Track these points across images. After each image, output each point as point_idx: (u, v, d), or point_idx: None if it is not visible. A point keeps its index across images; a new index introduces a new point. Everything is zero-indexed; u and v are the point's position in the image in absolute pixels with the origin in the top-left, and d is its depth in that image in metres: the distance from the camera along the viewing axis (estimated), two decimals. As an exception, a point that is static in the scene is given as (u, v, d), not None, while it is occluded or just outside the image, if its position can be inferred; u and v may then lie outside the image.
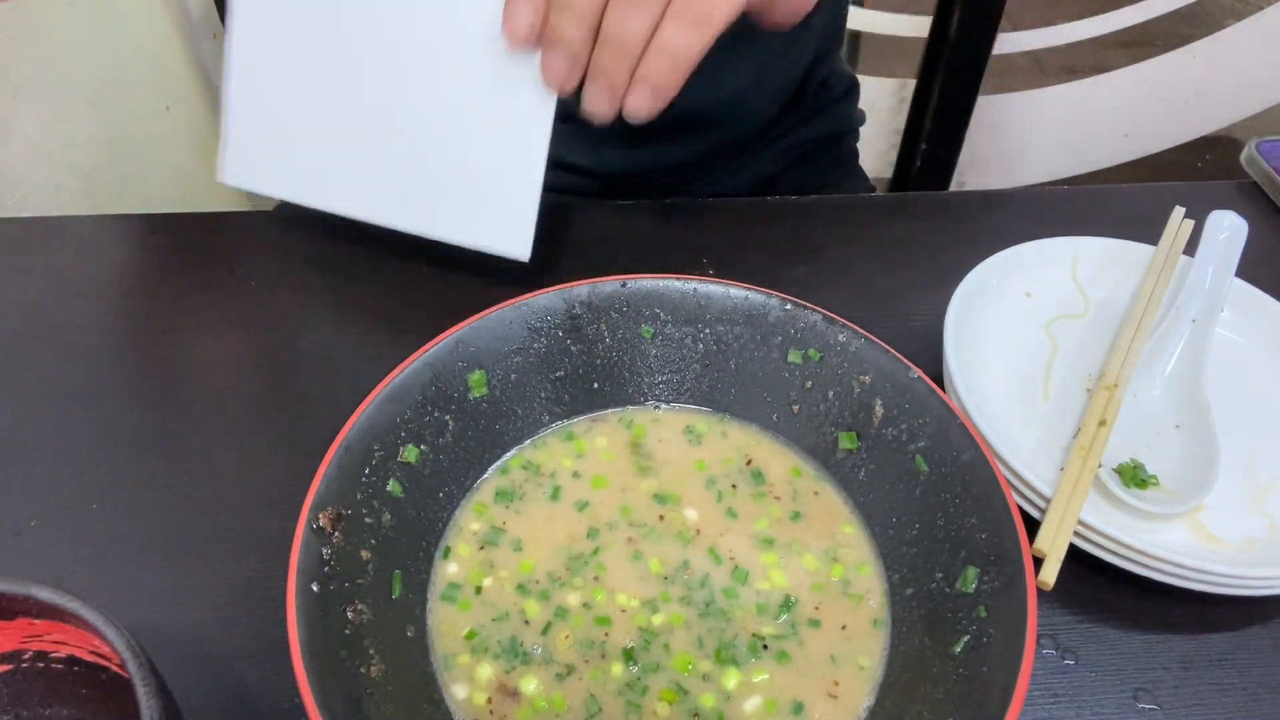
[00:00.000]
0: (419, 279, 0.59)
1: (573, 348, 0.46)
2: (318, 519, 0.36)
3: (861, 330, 0.44)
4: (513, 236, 0.51)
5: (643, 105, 0.43)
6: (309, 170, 0.52)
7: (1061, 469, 0.46)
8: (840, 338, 0.44)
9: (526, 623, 0.40)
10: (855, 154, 0.89)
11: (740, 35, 0.59)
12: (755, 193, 0.80)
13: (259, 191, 0.53)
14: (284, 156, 0.52)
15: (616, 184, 0.74)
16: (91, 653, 0.32)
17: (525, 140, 0.48)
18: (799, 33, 0.64)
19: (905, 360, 0.43)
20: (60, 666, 0.34)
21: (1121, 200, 0.68)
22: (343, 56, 0.49)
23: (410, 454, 0.41)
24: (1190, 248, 0.57)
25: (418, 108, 0.49)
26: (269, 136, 0.52)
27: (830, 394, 0.45)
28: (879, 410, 0.43)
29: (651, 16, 0.41)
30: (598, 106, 0.44)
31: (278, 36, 0.50)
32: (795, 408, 0.46)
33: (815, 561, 0.42)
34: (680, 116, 0.72)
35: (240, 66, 0.51)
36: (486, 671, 0.38)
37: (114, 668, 0.32)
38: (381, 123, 0.50)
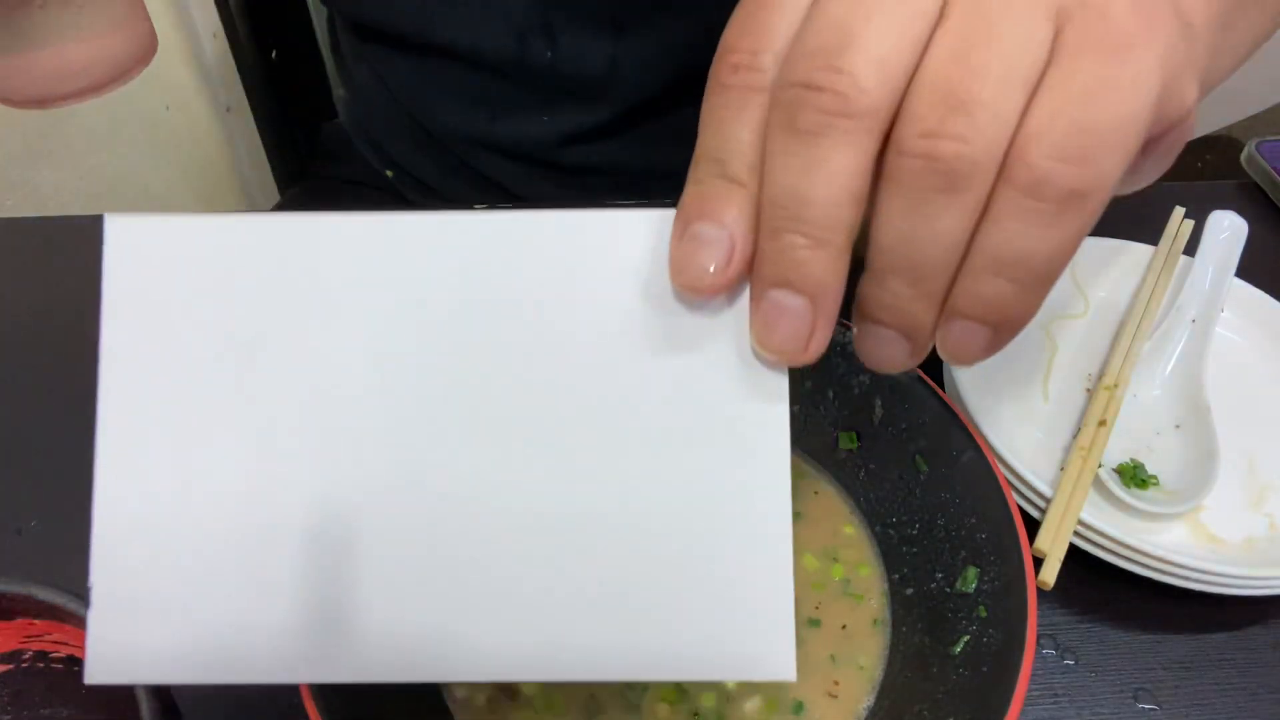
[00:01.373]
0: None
1: (573, 348, 0.46)
2: (318, 519, 0.36)
3: (861, 330, 0.44)
4: (763, 648, 0.27)
5: (975, 349, 0.26)
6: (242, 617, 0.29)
7: (1061, 469, 0.46)
8: (839, 337, 0.44)
9: (526, 623, 0.40)
10: None
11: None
12: None
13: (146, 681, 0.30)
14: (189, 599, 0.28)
15: (619, 185, 0.74)
16: (91, 653, 0.32)
17: (744, 467, 0.26)
18: None
19: (905, 360, 0.43)
20: (60, 666, 0.34)
21: (1121, 200, 0.68)
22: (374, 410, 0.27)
23: (410, 454, 0.41)
24: (1190, 248, 0.57)
25: (516, 469, 0.26)
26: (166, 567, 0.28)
27: (830, 394, 0.45)
28: (879, 410, 0.43)
29: (966, 208, 0.23)
30: (881, 357, 0.26)
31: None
32: (795, 407, 0.46)
33: (815, 561, 0.42)
34: (693, 123, 0.71)
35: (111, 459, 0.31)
36: (486, 671, 0.38)
37: (114, 668, 0.32)
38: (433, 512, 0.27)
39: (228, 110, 1.15)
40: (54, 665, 0.34)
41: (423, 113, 0.70)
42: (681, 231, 0.25)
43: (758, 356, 0.26)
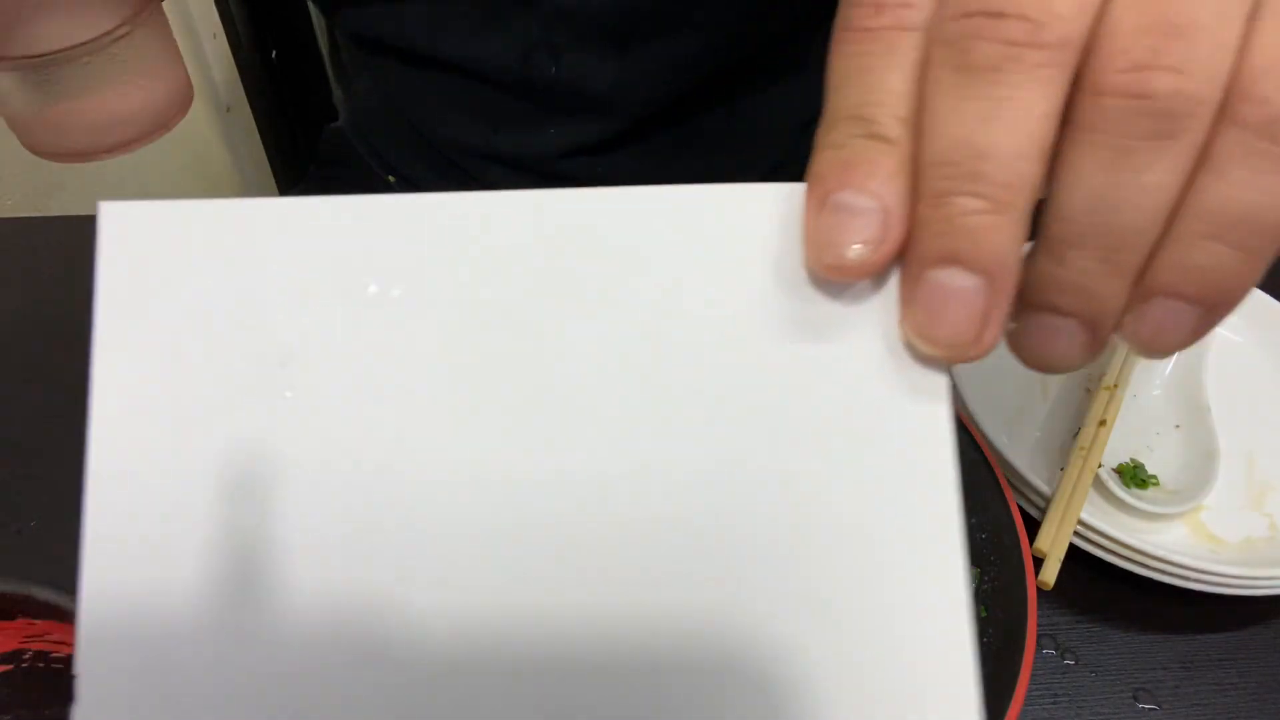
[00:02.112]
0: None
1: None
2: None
3: (861, 330, 0.44)
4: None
5: (1178, 335, 0.21)
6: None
7: (1061, 469, 0.46)
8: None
9: (526, 623, 0.40)
10: None
11: (775, 66, 0.55)
12: None
13: None
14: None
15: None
16: (91, 653, 0.32)
17: (899, 483, 0.21)
18: (796, 60, 0.63)
19: (905, 360, 0.43)
20: (60, 666, 0.34)
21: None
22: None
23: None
24: (1190, 248, 0.57)
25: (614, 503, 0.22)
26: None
27: (830, 394, 0.45)
28: (879, 410, 0.43)
29: (1181, 159, 0.19)
30: (1053, 355, 0.21)
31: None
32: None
33: (815, 561, 0.42)
34: (691, 175, 0.71)
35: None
36: (486, 671, 0.38)
37: (114, 668, 0.32)
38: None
39: (228, 110, 1.15)
40: (54, 665, 0.34)
41: (424, 123, 0.70)
42: (820, 203, 0.20)
43: (913, 351, 0.21)
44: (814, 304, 0.21)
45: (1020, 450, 0.46)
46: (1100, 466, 0.45)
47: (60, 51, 0.36)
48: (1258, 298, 0.55)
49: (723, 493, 0.21)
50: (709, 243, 0.22)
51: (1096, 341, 0.21)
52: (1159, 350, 0.21)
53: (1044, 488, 0.43)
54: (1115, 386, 0.50)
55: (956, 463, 0.21)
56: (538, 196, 0.22)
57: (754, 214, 0.22)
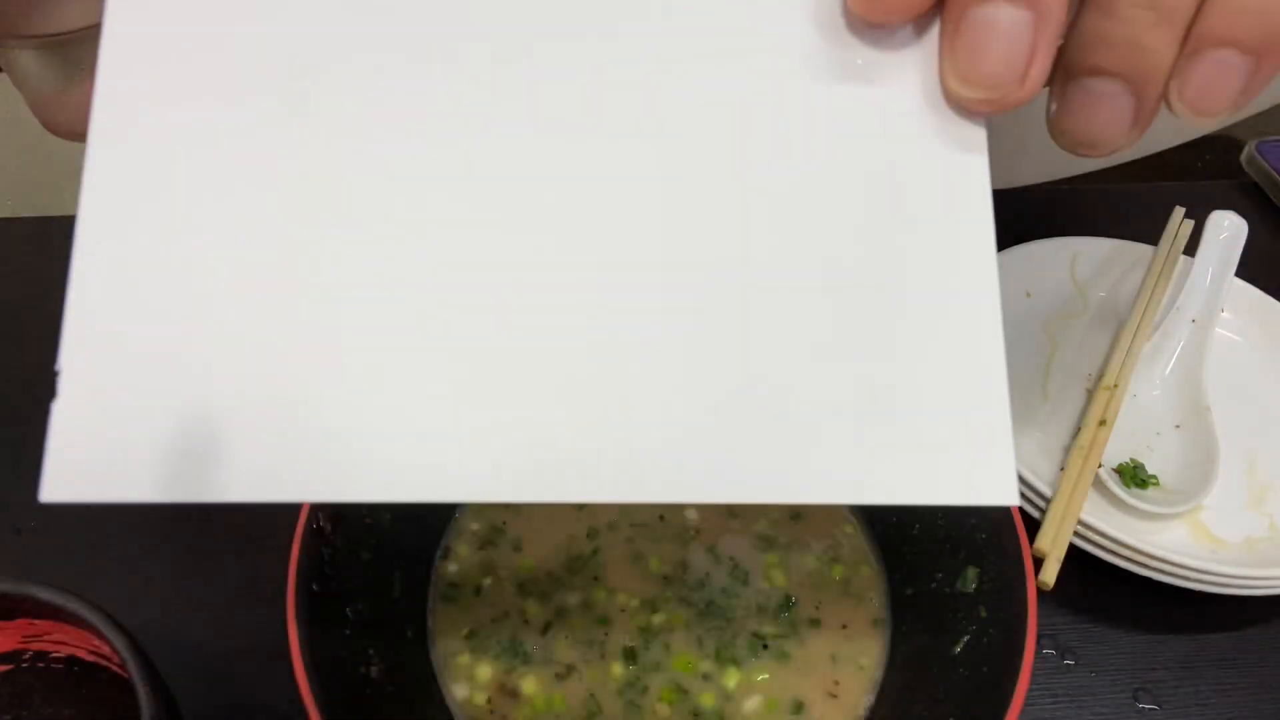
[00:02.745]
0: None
1: (573, 348, 0.46)
2: (318, 519, 0.36)
3: (861, 330, 0.44)
4: (979, 465, 0.22)
5: (1228, 90, 0.20)
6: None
7: (1061, 469, 0.46)
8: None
9: (526, 622, 0.40)
10: None
11: None
12: None
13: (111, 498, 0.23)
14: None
15: None
16: (91, 653, 0.32)
17: (937, 239, 0.22)
18: None
19: (905, 360, 0.43)
20: (60, 666, 0.34)
21: (1121, 200, 0.68)
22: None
23: (410, 454, 0.41)
24: (1190, 248, 0.57)
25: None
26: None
27: (830, 394, 0.45)
28: (879, 410, 0.43)
29: None
30: (1098, 126, 0.21)
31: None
32: (795, 408, 0.46)
33: (815, 561, 0.42)
34: None
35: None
36: (486, 671, 0.38)
37: (114, 668, 0.32)
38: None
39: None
40: (54, 665, 0.34)
41: None
42: None
43: (953, 98, 0.20)
44: (854, 51, 0.21)
45: (1020, 450, 0.46)
46: (1100, 466, 0.45)
47: (82, 30, 0.36)
48: (1258, 298, 0.55)
49: (779, 236, 0.21)
50: None
51: (1143, 110, 0.20)
52: (1208, 109, 0.20)
53: (1044, 488, 0.43)
54: (1115, 386, 0.50)
55: (991, 209, 0.22)
56: None
57: None
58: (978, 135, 0.21)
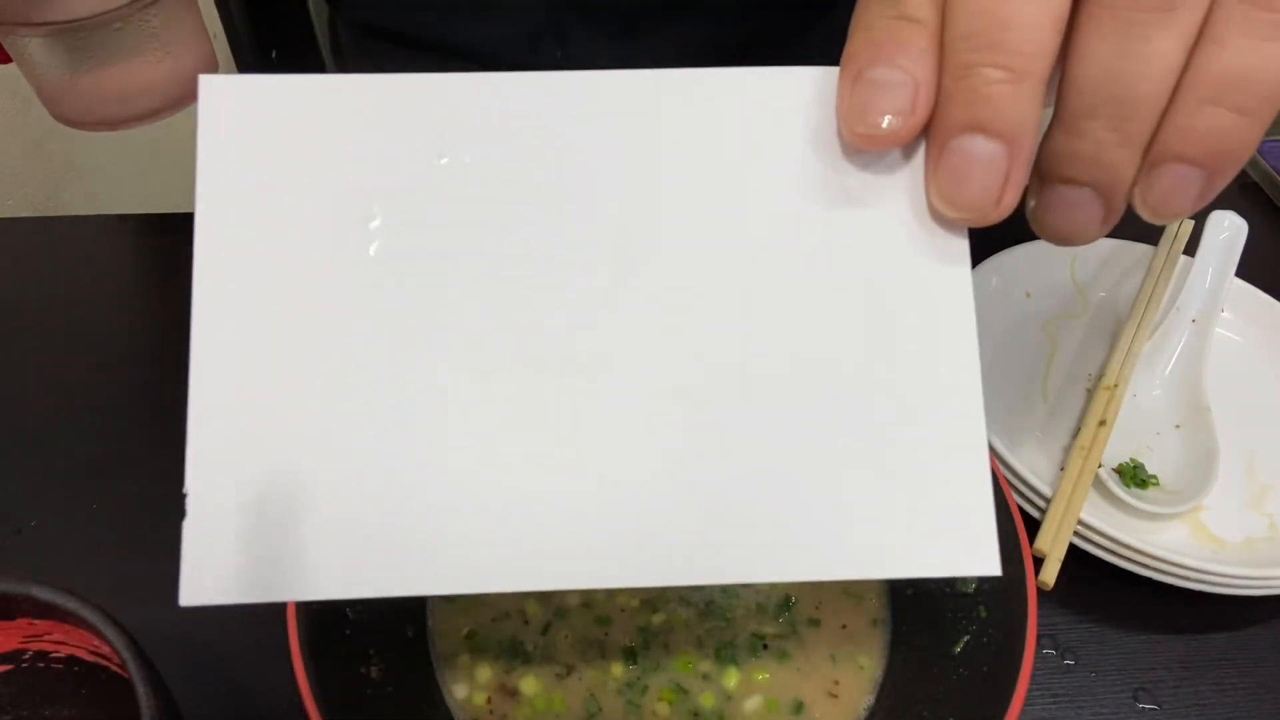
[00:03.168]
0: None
1: (573, 348, 0.46)
2: (318, 519, 0.36)
3: (861, 330, 0.44)
4: (961, 539, 0.25)
5: (1186, 198, 0.22)
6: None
7: (1061, 469, 0.46)
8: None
9: (526, 623, 0.40)
10: None
11: (781, 50, 0.56)
12: None
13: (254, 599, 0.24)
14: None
15: None
16: (91, 653, 0.32)
17: (924, 337, 0.24)
18: (800, 46, 0.63)
19: (905, 360, 0.43)
20: (60, 666, 0.34)
21: (1121, 200, 0.68)
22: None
23: (410, 454, 0.41)
24: (1190, 248, 0.57)
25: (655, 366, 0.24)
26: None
27: (830, 394, 0.45)
28: (879, 410, 0.43)
29: (1184, 30, 0.20)
30: (1072, 225, 0.23)
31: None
32: (795, 408, 0.46)
33: (815, 561, 0.42)
34: None
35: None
36: (486, 671, 0.38)
37: (114, 668, 0.32)
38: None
39: (228, 110, 1.15)
40: (54, 665, 0.34)
41: None
42: (855, 77, 0.22)
43: (937, 216, 0.23)
44: (848, 175, 0.24)
45: (1020, 450, 0.46)
46: (1100, 466, 0.45)
47: (91, 18, 0.36)
48: (1258, 298, 0.55)
49: (783, 345, 0.24)
50: (754, 120, 0.24)
51: (1111, 211, 0.23)
52: (1168, 214, 0.22)
53: (1044, 488, 0.43)
54: (1115, 386, 0.50)
55: (973, 309, 0.24)
56: (598, 76, 0.24)
57: (793, 93, 0.24)
58: (961, 247, 0.24)
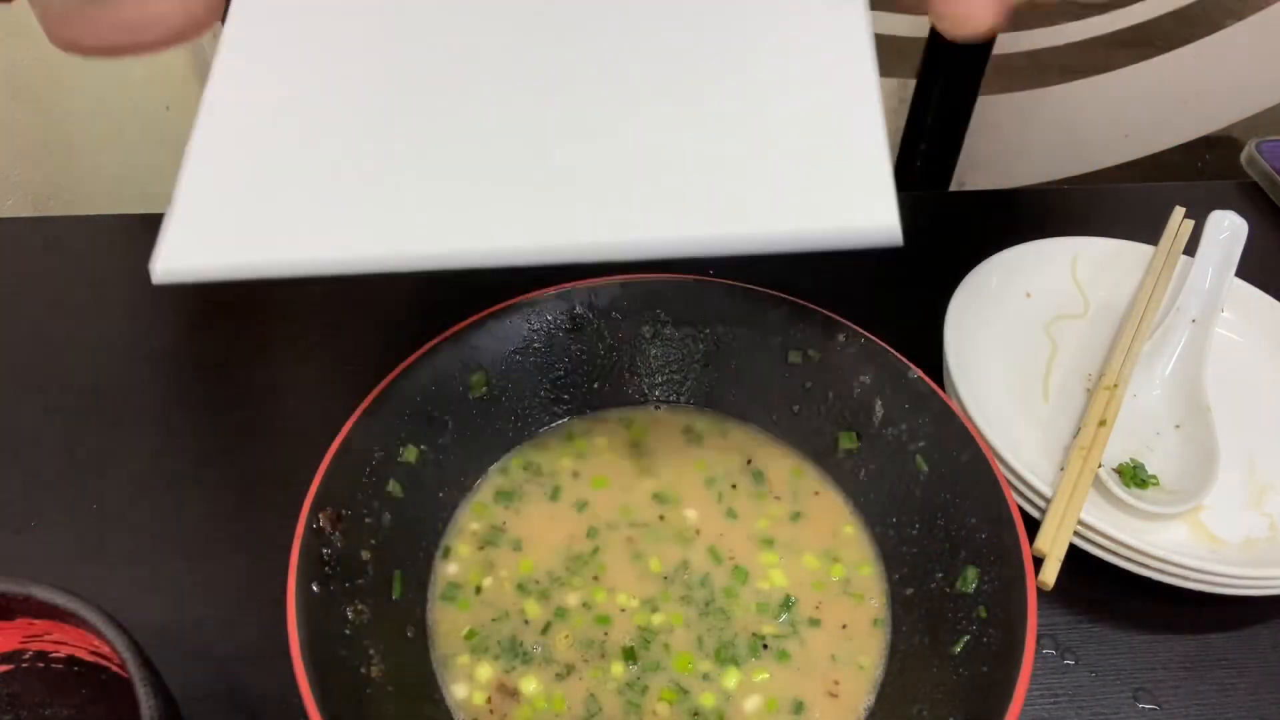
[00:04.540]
0: (419, 278, 0.59)
1: (573, 348, 0.46)
2: (318, 519, 0.36)
3: (861, 330, 0.44)
4: (862, 211, 0.26)
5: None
6: (332, 203, 0.29)
7: (1061, 469, 0.46)
8: (840, 338, 0.44)
9: (526, 623, 0.40)
10: None
11: None
12: None
13: (229, 268, 0.29)
14: (283, 196, 0.29)
15: None
16: (91, 653, 0.32)
17: (842, 47, 0.28)
18: None
19: (905, 360, 0.43)
20: (60, 666, 0.34)
21: (1121, 200, 0.68)
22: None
23: (410, 454, 0.41)
24: (1190, 248, 0.57)
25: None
26: (256, 171, 0.29)
27: (830, 394, 0.45)
28: (879, 410, 0.43)
29: None
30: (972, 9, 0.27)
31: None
32: (795, 408, 0.46)
33: (815, 561, 0.42)
34: None
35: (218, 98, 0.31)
36: (486, 671, 0.38)
37: (114, 668, 0.32)
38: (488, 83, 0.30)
39: (228, 110, 1.15)
40: (54, 665, 0.34)
41: None
42: None
43: None
44: None
45: (1020, 450, 0.46)
46: (1100, 466, 0.45)
47: None
48: (1258, 298, 0.55)
49: (687, 48, 0.29)
50: None
51: None
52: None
53: (1044, 488, 0.43)
54: (1115, 386, 0.50)
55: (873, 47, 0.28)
56: None
57: None
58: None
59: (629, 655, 0.39)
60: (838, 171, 0.26)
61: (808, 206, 0.26)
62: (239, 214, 0.29)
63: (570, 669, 0.39)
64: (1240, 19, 1.57)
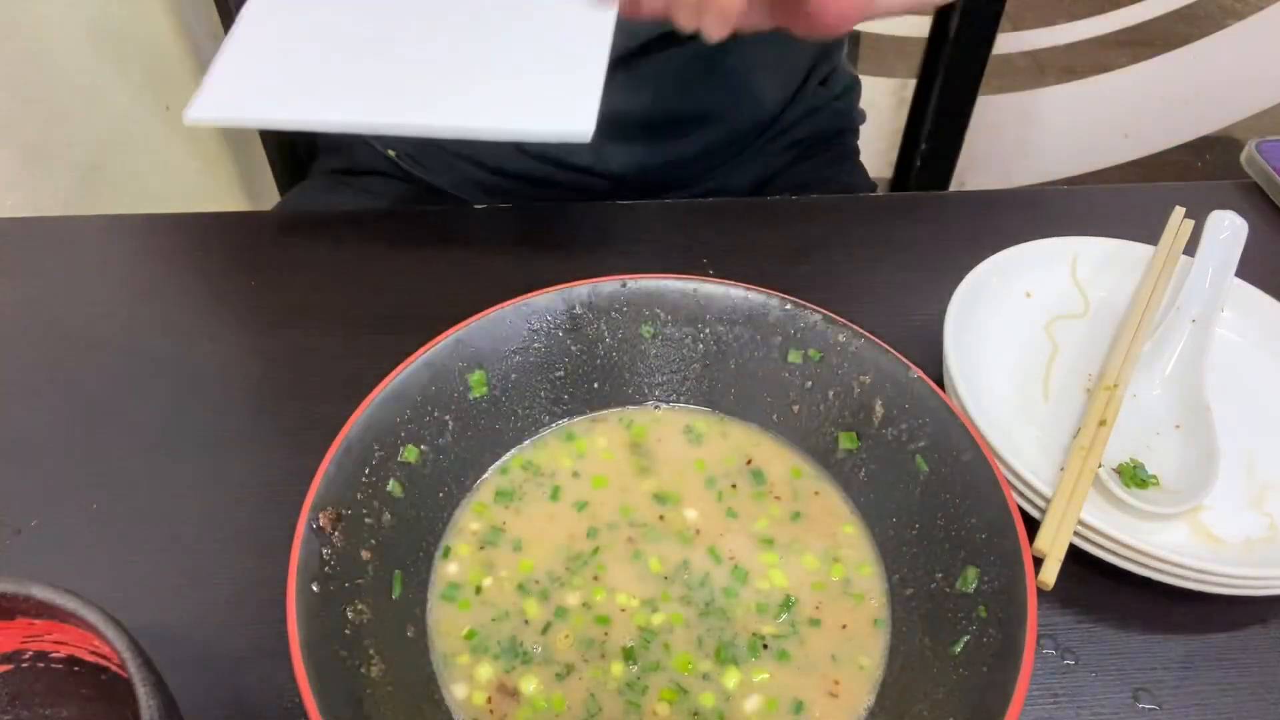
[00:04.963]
0: (419, 279, 0.59)
1: (573, 348, 0.46)
2: (318, 519, 0.36)
3: (861, 330, 0.44)
4: (570, 114, 0.45)
5: (715, 30, 0.44)
6: (305, 88, 0.48)
7: (1061, 469, 0.46)
8: (840, 338, 0.44)
9: (526, 622, 0.40)
10: (856, 151, 0.89)
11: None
12: (757, 189, 0.80)
13: (236, 119, 0.51)
14: (275, 81, 0.48)
15: (620, 182, 0.74)
16: (91, 653, 0.32)
17: (589, 21, 0.47)
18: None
19: (905, 360, 0.43)
20: (60, 666, 0.34)
21: (1121, 200, 0.68)
22: None
23: (410, 454, 0.41)
24: (1190, 248, 0.57)
25: (455, 10, 0.50)
26: (261, 65, 0.49)
27: (830, 394, 0.45)
28: (879, 410, 0.43)
29: None
30: (683, 23, 0.45)
31: None
32: (795, 408, 0.46)
33: (815, 561, 0.42)
34: (683, 111, 0.72)
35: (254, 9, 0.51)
36: (486, 671, 0.38)
37: (114, 668, 0.32)
38: (408, 30, 0.50)
39: (228, 110, 1.14)
40: (54, 665, 0.34)
41: None
42: None
43: None
44: None
45: (1020, 450, 0.46)
46: (1100, 466, 0.45)
47: None
48: (1258, 298, 0.55)
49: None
50: None
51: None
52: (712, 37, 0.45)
53: (1044, 488, 0.43)
54: (1115, 386, 0.50)
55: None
56: None
57: None
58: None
59: (629, 655, 0.39)
60: (560, 86, 0.46)
61: (531, 109, 0.46)
62: (255, 85, 0.48)
63: (570, 669, 0.39)
64: (1240, 19, 1.57)
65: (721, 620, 0.40)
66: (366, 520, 0.39)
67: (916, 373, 0.42)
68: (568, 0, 0.47)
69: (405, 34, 0.49)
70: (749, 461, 0.46)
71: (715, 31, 0.43)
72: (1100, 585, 0.44)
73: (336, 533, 0.37)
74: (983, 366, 0.51)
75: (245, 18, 0.50)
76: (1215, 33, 1.58)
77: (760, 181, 0.79)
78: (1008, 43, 1.56)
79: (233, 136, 1.17)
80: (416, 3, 0.50)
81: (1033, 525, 0.43)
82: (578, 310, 0.46)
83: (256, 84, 0.48)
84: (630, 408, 0.48)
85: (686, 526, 0.43)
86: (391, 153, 0.79)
